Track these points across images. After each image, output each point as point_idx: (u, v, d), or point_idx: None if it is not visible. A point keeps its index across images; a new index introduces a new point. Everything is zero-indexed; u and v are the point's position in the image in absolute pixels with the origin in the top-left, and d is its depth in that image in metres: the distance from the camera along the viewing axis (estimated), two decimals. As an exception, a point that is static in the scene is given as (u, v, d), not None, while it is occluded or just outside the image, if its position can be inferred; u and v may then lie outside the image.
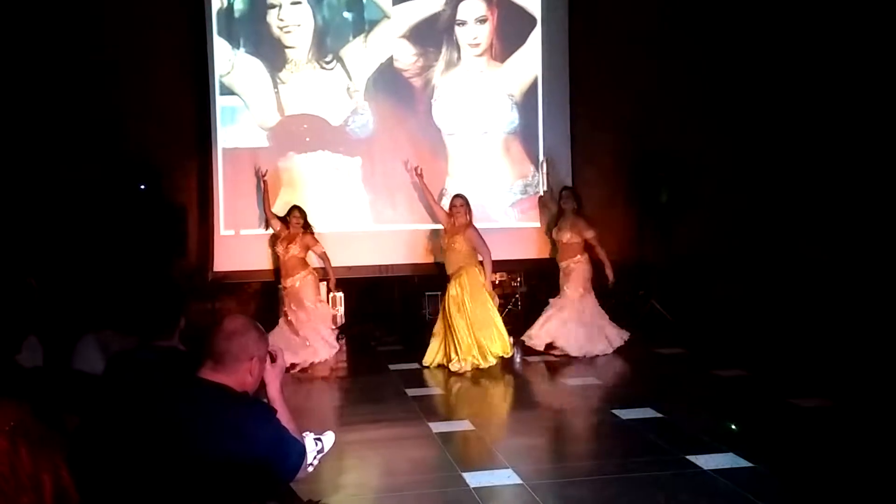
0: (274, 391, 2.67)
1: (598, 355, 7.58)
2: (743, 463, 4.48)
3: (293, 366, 7.28)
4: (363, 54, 8.90)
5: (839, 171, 8.48)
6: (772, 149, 9.17)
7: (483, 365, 7.11)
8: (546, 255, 8.74)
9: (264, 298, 8.96)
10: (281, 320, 7.66)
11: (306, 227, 7.72)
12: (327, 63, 8.85)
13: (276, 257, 7.97)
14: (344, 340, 8.51)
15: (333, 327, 7.89)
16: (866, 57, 8.26)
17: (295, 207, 7.81)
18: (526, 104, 9.21)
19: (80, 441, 2.62)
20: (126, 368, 3.02)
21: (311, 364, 7.44)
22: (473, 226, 7.46)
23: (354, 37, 8.92)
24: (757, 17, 9.22)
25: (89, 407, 2.78)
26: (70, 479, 2.33)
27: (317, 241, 7.73)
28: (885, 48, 8.06)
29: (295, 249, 7.61)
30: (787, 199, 9.03)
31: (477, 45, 9.11)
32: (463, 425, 5.59)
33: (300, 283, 7.58)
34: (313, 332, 7.53)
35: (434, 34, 9.02)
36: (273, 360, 2.66)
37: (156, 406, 2.42)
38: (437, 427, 5.49)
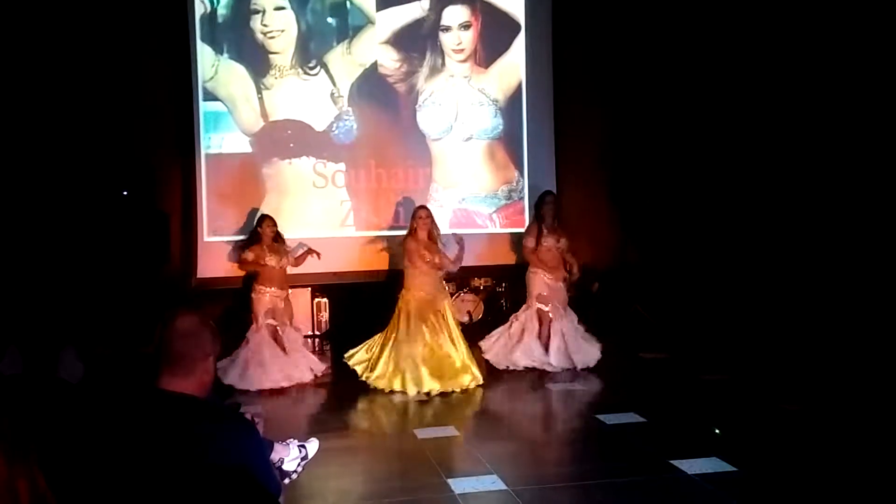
0: None
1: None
2: (727, 467, 4.50)
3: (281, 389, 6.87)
4: (347, 60, 8.90)
5: (824, 177, 8.53)
6: (756, 154, 9.22)
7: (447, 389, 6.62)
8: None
9: (247, 304, 8.91)
10: (261, 333, 7.00)
11: (278, 237, 7.18)
12: (311, 69, 8.84)
13: (265, 269, 7.07)
14: (329, 347, 8.50)
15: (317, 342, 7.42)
16: (850, 60, 8.32)
17: (266, 216, 7.23)
18: (510, 110, 9.24)
19: (55, 450, 2.59)
20: (99, 379, 3.00)
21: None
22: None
23: (338, 42, 8.91)
24: (739, 26, 9.27)
25: (65, 417, 2.76)
26: (46, 486, 2.30)
27: (287, 245, 7.30)
28: (865, 51, 8.13)
29: (284, 261, 7.14)
30: (772, 205, 9.08)
31: (461, 50, 9.13)
32: (447, 431, 5.59)
33: (290, 298, 7.24)
34: (302, 351, 7.17)
35: (418, 40, 9.04)
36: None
37: (128, 421, 2.38)
38: (422, 433, 5.49)
